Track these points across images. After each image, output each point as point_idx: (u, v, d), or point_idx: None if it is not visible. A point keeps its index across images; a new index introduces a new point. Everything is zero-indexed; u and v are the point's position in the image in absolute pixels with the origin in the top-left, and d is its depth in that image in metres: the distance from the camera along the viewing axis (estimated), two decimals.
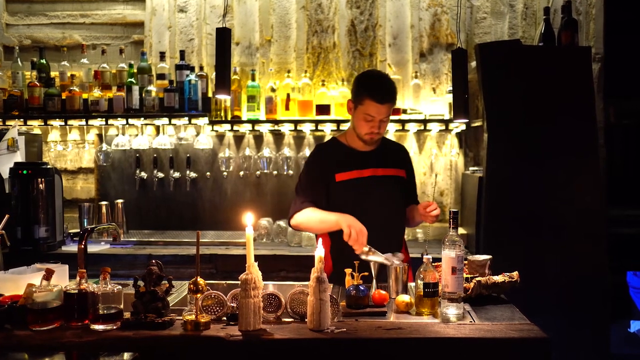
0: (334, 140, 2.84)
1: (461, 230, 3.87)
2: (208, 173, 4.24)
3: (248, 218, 1.96)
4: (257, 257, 1.99)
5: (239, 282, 1.90)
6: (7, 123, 4.05)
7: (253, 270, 1.91)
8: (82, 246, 2.27)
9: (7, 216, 2.66)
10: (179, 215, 4.26)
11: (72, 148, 4.38)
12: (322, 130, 4.12)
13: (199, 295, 1.95)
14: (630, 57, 4.09)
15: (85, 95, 4.03)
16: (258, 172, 4.16)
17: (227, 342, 1.84)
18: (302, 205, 2.68)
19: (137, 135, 4.16)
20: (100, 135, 4.25)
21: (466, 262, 2.35)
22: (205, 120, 3.98)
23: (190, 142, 4.15)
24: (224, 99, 3.89)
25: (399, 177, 2.77)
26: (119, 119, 3.99)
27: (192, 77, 3.90)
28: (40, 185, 3.65)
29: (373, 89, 2.60)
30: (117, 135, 4.16)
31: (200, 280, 1.94)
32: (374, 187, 2.68)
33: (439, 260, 2.13)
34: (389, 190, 2.71)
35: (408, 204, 2.81)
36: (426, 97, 4.13)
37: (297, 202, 2.71)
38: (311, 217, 2.66)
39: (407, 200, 2.81)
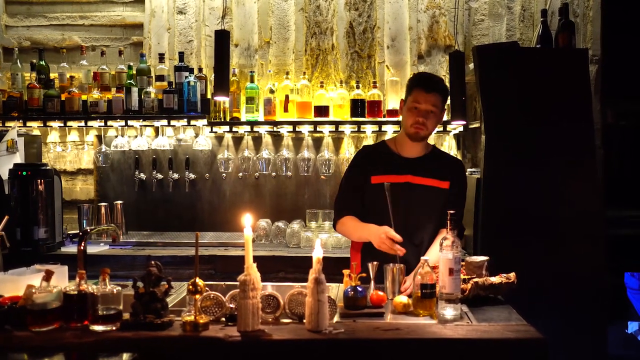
0: (381, 143, 2.87)
1: None
2: (207, 174, 4.25)
3: (247, 219, 1.97)
4: (256, 258, 2.01)
5: (237, 283, 1.91)
6: (7, 124, 4.05)
7: (252, 272, 1.92)
8: (82, 247, 2.29)
9: (6, 217, 2.67)
10: (178, 216, 4.27)
11: (71, 149, 4.39)
12: (320, 132, 4.14)
13: (197, 296, 1.96)
14: (627, 58, 4.09)
15: (84, 97, 4.03)
16: (257, 174, 4.17)
17: (225, 342, 1.85)
18: (341, 212, 2.76)
19: (136, 136, 4.16)
20: (99, 137, 4.26)
21: (463, 263, 2.37)
22: (204, 121, 3.99)
23: (189, 143, 4.16)
24: (223, 100, 3.90)
25: (439, 189, 2.68)
26: (118, 120, 3.99)
27: (191, 78, 3.91)
28: (40, 187, 3.65)
29: (422, 78, 2.74)
30: (116, 136, 4.17)
31: (199, 281, 1.95)
32: (407, 193, 2.63)
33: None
34: (422, 199, 2.64)
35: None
36: None
37: (337, 206, 2.82)
38: (349, 228, 2.74)
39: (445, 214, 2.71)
